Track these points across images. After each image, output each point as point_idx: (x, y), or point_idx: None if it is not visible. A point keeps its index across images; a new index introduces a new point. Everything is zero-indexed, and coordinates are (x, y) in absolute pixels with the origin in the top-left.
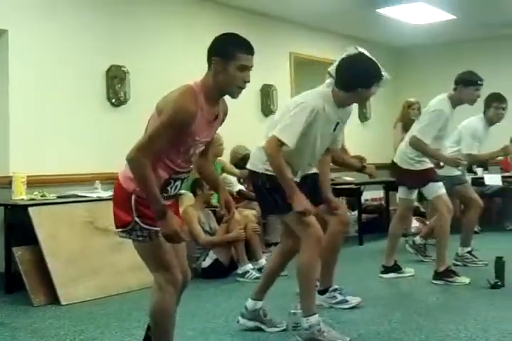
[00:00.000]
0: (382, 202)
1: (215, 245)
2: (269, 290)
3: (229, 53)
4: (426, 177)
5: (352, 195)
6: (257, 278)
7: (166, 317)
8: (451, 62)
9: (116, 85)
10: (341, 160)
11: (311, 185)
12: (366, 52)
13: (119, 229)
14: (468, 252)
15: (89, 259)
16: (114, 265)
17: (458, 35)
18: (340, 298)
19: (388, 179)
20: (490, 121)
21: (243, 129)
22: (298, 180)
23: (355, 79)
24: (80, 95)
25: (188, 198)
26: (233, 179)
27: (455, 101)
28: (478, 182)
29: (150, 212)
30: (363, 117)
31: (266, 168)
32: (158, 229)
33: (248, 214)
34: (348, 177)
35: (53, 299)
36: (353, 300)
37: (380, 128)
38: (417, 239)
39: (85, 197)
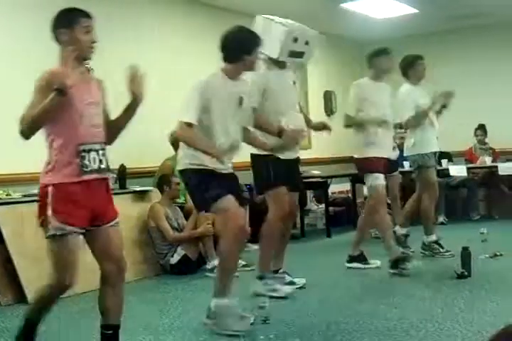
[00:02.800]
0: (349, 195)
1: (183, 241)
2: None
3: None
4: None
5: (319, 187)
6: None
7: (43, 310)
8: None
9: None
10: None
11: (288, 171)
12: (277, 19)
13: (41, 226)
14: (435, 242)
15: None
16: (81, 263)
17: (421, 28)
18: (275, 286)
19: (355, 172)
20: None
21: None
22: (225, 170)
23: (239, 48)
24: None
25: (155, 195)
26: None
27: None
28: (444, 173)
29: (62, 207)
30: (329, 111)
31: (188, 162)
32: (69, 228)
33: None
34: (315, 171)
35: (21, 298)
36: (287, 290)
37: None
38: (398, 229)
39: None
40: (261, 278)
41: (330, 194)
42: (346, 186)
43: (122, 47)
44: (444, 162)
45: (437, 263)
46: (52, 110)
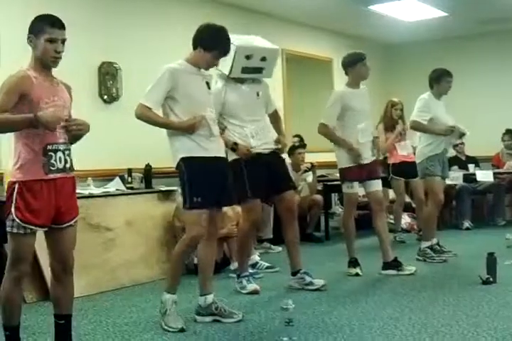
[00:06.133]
0: None
1: None
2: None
3: None
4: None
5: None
6: (250, 273)
7: (13, 303)
8: (443, 58)
9: (108, 82)
10: None
11: (269, 171)
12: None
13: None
14: (433, 246)
15: (81, 256)
16: (106, 261)
17: (449, 31)
18: (244, 283)
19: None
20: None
21: None
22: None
23: (218, 41)
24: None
25: (181, 196)
26: None
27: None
28: (470, 178)
29: (27, 206)
30: None
31: None
32: (32, 228)
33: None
34: None
35: (46, 295)
36: (251, 287)
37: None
38: (421, 245)
39: (77, 193)
40: (238, 276)
41: None
42: None
43: (145, 44)
44: (471, 167)
45: (462, 268)
46: (17, 129)
